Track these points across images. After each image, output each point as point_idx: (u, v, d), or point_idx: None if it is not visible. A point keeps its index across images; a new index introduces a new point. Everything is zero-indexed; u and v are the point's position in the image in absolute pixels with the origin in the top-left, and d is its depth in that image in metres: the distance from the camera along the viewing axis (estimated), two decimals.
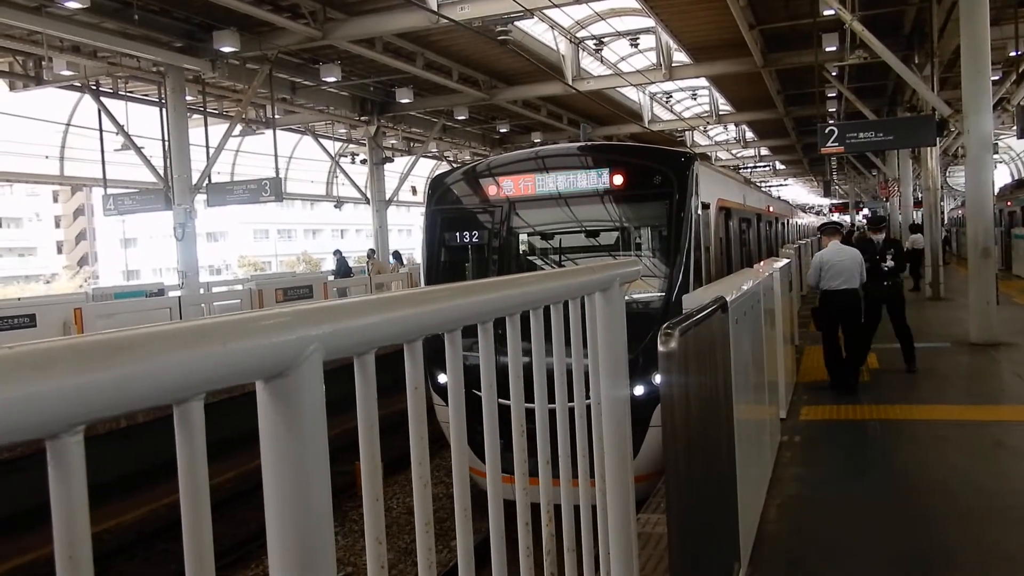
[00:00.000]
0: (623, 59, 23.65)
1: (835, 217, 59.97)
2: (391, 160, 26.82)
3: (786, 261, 9.38)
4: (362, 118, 23.66)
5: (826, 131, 13.83)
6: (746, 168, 45.26)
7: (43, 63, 16.60)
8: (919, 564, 4.30)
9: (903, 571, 4.25)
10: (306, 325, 1.01)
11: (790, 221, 26.69)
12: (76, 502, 0.74)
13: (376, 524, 1.23)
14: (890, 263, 9.72)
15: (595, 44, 21.20)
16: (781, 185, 59.98)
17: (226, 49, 15.44)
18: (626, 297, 2.50)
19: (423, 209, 10.06)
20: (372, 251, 25.26)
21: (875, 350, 10.95)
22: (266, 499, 1.02)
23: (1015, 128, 13.24)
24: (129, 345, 0.75)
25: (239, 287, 22.40)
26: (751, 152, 43.95)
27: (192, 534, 0.89)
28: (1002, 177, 37.88)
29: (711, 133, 38.45)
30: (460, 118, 24.98)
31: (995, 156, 13.68)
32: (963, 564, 4.28)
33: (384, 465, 1.27)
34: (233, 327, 0.89)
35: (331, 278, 23.18)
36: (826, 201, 61.16)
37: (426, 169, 33.15)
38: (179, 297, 16.07)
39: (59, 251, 72.16)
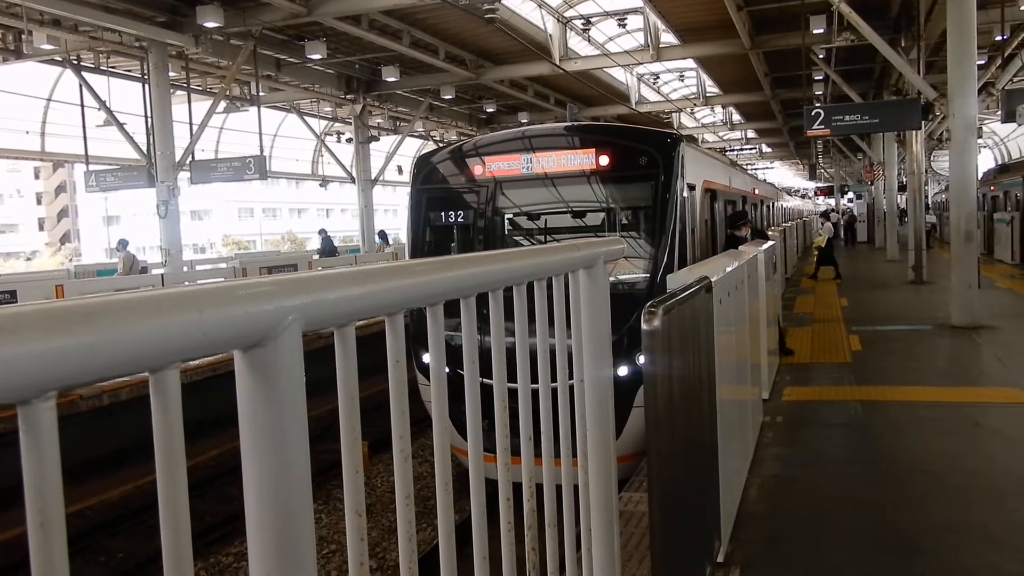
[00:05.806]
0: (611, 39, 23.55)
1: (820, 200, 60.42)
2: (377, 139, 26.64)
3: (771, 243, 9.40)
4: (348, 96, 23.46)
5: (812, 113, 13.85)
6: (732, 150, 45.35)
7: (23, 36, 16.34)
8: (897, 542, 4.36)
9: (881, 549, 4.30)
10: (284, 295, 1.00)
11: (775, 204, 26.80)
12: (48, 469, 0.73)
13: (356, 496, 1.23)
14: None
15: (583, 24, 21.09)
16: (767, 168, 60.14)
17: (210, 24, 15.25)
18: (610, 278, 2.49)
19: (409, 189, 10.01)
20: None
21: (858, 332, 11.07)
22: (244, 470, 1.01)
23: (1000, 112, 13.28)
24: (100, 311, 0.74)
25: (223, 265, 22.30)
26: (738, 135, 43.99)
27: (168, 504, 0.88)
28: (986, 162, 38.11)
29: (698, 115, 38.42)
30: (447, 97, 24.83)
31: (979, 140, 13.74)
32: (941, 542, 4.34)
33: (368, 445, 1.27)
34: (209, 295, 0.88)
35: (316, 257, 23.10)
36: (811, 184, 61.41)
37: (412, 148, 32.99)
38: (162, 275, 15.97)
39: (40, 228, 71.46)
